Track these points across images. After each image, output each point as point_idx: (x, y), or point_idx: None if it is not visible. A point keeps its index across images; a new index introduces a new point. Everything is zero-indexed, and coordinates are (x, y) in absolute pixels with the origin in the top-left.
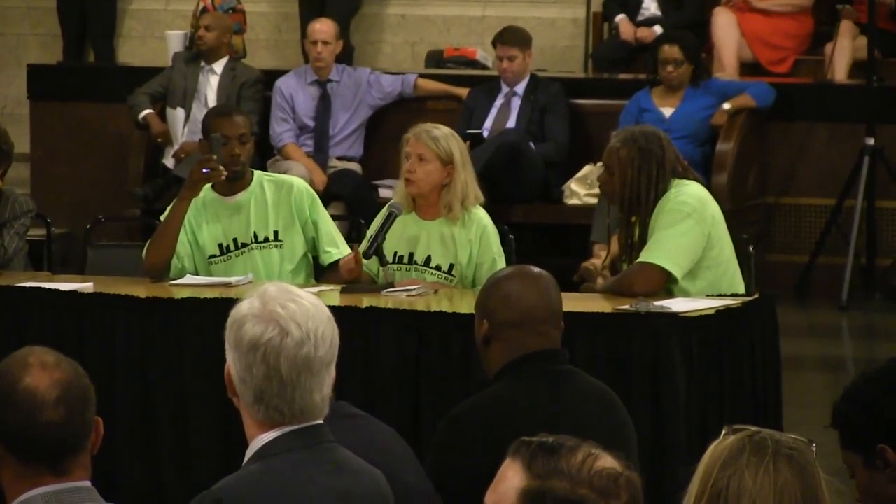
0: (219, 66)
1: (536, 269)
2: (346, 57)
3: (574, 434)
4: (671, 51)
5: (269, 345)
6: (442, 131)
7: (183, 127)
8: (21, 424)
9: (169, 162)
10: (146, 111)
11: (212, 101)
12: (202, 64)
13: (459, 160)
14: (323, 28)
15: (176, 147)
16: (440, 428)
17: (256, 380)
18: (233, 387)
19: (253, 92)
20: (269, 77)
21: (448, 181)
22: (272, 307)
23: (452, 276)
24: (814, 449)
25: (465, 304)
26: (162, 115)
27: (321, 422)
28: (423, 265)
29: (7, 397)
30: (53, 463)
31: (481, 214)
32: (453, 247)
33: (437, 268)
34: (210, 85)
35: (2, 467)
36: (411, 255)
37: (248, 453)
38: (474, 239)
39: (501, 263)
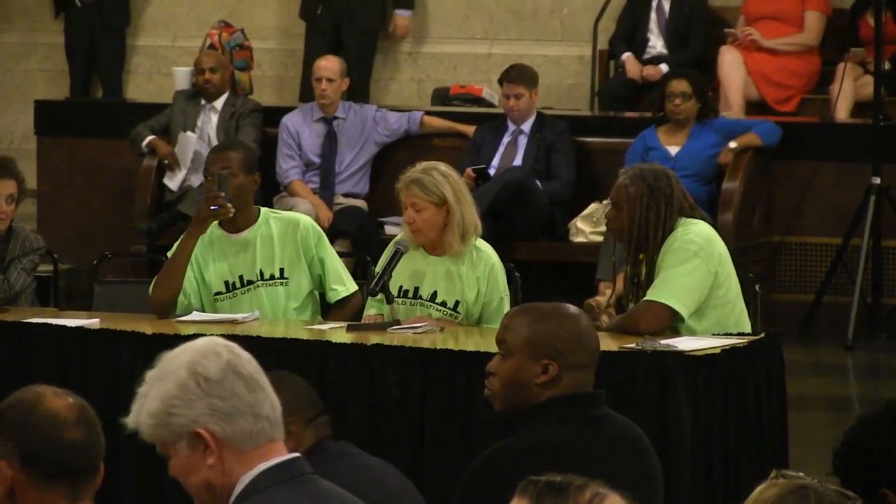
0: (219, 102)
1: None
2: (359, 93)
3: (605, 479)
4: (679, 84)
5: (232, 362)
6: (430, 175)
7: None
8: (47, 444)
9: (172, 184)
10: (149, 137)
11: (213, 138)
12: (202, 102)
13: (453, 197)
14: (328, 65)
15: (184, 171)
16: (471, 469)
17: (244, 400)
18: (215, 444)
19: (249, 121)
20: (275, 114)
21: (449, 220)
22: (198, 345)
23: (457, 312)
24: None
25: (471, 343)
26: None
27: (298, 455)
28: (429, 300)
29: (28, 421)
30: (74, 485)
31: (489, 252)
32: (460, 284)
33: (443, 304)
34: (211, 123)
35: (20, 496)
36: (416, 289)
37: (232, 498)
38: (482, 276)
39: (507, 302)
